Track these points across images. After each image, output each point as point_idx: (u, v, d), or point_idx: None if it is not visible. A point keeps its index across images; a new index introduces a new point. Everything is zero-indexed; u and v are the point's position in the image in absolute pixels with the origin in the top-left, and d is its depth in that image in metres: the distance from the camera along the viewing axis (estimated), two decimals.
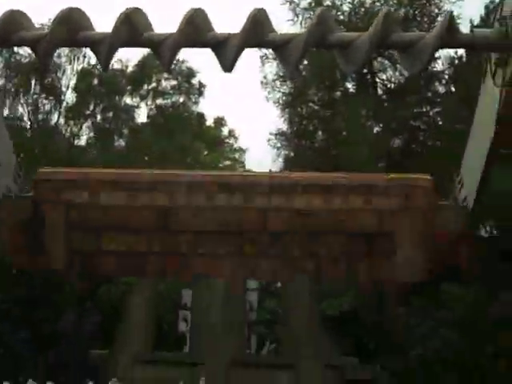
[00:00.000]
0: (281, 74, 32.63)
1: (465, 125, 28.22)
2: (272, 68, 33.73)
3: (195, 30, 13.50)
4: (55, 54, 34.84)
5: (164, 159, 37.35)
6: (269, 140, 35.42)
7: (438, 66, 31.40)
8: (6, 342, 19.26)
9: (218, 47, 13.67)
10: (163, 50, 13.75)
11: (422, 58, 14.12)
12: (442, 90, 31.38)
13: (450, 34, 13.43)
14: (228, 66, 13.59)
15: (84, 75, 35.13)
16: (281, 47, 13.82)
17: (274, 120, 56.50)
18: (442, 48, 15.27)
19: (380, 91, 33.21)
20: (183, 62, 37.06)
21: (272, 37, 13.86)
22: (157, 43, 13.89)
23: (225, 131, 42.17)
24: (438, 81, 31.25)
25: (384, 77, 32.36)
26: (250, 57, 14.73)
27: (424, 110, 32.16)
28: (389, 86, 32.97)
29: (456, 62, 29.94)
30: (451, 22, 13.28)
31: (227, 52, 13.57)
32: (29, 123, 37.42)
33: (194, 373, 19.72)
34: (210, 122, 41.36)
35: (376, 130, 33.09)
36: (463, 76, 27.57)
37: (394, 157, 30.93)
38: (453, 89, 30.32)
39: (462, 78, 27.77)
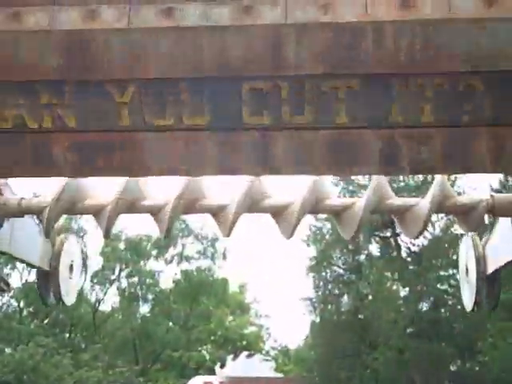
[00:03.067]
0: (304, 239, 32.92)
1: None
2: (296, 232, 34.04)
3: None
4: (83, 219, 36.05)
5: (188, 324, 37.07)
6: (294, 306, 35.09)
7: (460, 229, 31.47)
8: None
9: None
10: (162, 217, 13.98)
11: (418, 223, 13.99)
12: None
13: (445, 199, 13.48)
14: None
15: (110, 240, 35.72)
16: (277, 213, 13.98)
17: (299, 285, 56.38)
18: (439, 213, 15.29)
19: (404, 254, 33.13)
20: (208, 227, 37.73)
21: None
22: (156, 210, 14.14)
23: (249, 297, 42.04)
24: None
25: (407, 240, 32.36)
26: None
27: (451, 272, 31.82)
28: (412, 248, 32.93)
29: None
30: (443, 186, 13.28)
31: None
32: None
33: None
34: (233, 286, 41.30)
35: (402, 293, 32.64)
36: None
37: (422, 323, 30.21)
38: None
39: None
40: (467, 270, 16.41)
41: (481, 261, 15.44)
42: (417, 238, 21.68)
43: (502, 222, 15.53)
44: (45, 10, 6.08)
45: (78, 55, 6.27)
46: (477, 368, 28.10)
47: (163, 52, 5.93)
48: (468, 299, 16.77)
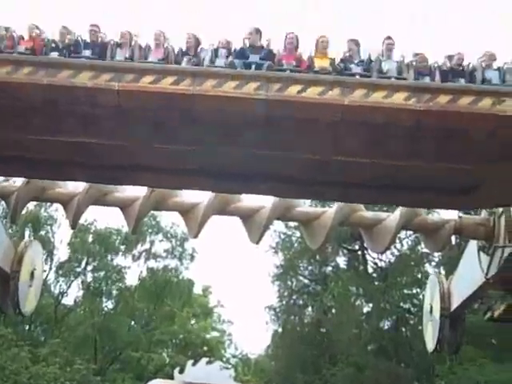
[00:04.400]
0: (272, 246, 32.91)
1: None
2: (264, 238, 34.01)
3: None
4: (53, 208, 35.61)
5: (151, 325, 36.81)
6: (257, 313, 35.01)
7: None
8: None
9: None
10: (131, 212, 14.05)
11: (385, 238, 14.14)
12: (431, 271, 31.42)
13: (414, 216, 13.65)
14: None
15: (79, 231, 35.26)
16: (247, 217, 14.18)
17: (263, 292, 56.22)
18: (407, 230, 15.32)
19: (370, 269, 33.29)
20: (179, 225, 37.49)
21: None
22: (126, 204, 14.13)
23: (213, 300, 41.88)
24: (428, 262, 31.38)
25: (375, 254, 32.49)
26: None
27: (414, 291, 32.02)
28: (379, 264, 33.08)
29: None
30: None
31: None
32: None
33: None
34: (198, 288, 41.13)
35: (366, 309, 32.81)
36: (453, 259, 27.72)
37: (383, 341, 30.36)
38: (442, 271, 30.37)
39: (451, 262, 27.88)
40: (431, 309, 16.49)
41: (445, 298, 15.56)
42: (383, 252, 21.88)
43: (467, 256, 15.63)
44: None
45: None
46: None
47: None
48: (430, 340, 16.79)
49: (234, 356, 42.57)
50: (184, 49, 10.59)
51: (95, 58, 10.08)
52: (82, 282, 38.26)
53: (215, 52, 10.47)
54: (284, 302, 34.16)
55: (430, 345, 16.58)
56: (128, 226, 14.99)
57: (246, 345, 67.07)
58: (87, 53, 10.36)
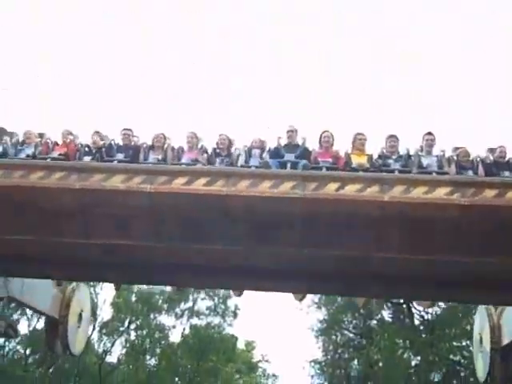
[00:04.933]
0: (315, 301, 32.62)
1: None
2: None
3: None
4: None
5: (195, 381, 36.53)
6: (303, 368, 34.52)
7: None
8: None
9: None
10: None
11: None
12: None
13: None
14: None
15: (122, 291, 35.55)
16: None
17: (308, 346, 55.49)
18: None
19: (417, 321, 32.67)
20: None
21: None
22: None
23: (257, 355, 41.36)
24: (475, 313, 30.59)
25: (420, 307, 31.91)
26: None
27: (463, 343, 31.25)
28: (426, 316, 32.47)
29: None
30: None
31: None
32: None
33: None
34: (241, 344, 40.78)
35: (414, 362, 32.08)
36: None
37: None
38: None
39: None
40: (481, 339, 16.17)
41: (495, 331, 15.23)
42: (430, 307, 21.36)
43: None
44: None
45: None
46: None
47: None
48: (481, 370, 16.42)
49: None
50: (217, 149, 10.57)
51: (128, 161, 10.10)
52: (126, 341, 38.36)
53: (249, 152, 10.46)
54: (329, 356, 33.70)
55: (481, 374, 16.14)
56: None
57: None
58: (120, 156, 10.40)
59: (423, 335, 31.57)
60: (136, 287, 36.72)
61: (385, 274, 9.81)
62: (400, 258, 9.05)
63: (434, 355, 30.28)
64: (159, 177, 8.99)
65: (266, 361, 41.48)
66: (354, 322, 33.85)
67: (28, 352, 37.62)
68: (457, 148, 10.32)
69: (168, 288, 37.46)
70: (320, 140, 10.46)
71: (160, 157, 10.44)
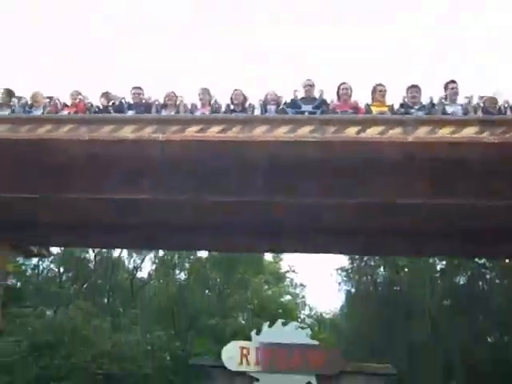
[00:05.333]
0: None
1: None
2: None
3: None
4: None
5: (224, 293, 37.39)
6: (330, 275, 35.10)
7: None
8: None
9: None
10: None
11: None
12: None
13: None
14: None
15: None
16: None
17: (335, 255, 56.20)
18: None
19: None
20: None
21: None
22: None
23: (284, 266, 42.08)
24: None
25: None
26: None
27: None
28: None
29: None
30: None
31: None
32: (93, 254, 38.27)
33: None
34: (269, 256, 41.42)
35: (439, 266, 32.47)
36: None
37: (459, 296, 30.05)
38: None
39: None
40: None
41: None
42: None
43: None
44: None
45: None
46: None
47: None
48: None
49: (308, 316, 42.74)
50: (231, 106, 10.15)
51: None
52: (155, 257, 39.11)
53: (264, 106, 10.06)
54: (355, 264, 34.17)
55: None
56: None
57: (319, 306, 67.51)
58: (131, 113, 10.13)
59: None
60: None
61: (409, 226, 9.48)
62: (426, 204, 8.61)
63: (459, 259, 30.55)
64: (171, 126, 8.55)
65: (293, 271, 42.25)
66: None
67: (61, 270, 38.65)
68: (482, 97, 9.82)
69: None
70: (338, 92, 10.13)
71: (173, 113, 10.16)
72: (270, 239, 10.51)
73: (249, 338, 20.67)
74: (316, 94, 10.21)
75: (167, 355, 33.25)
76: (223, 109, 10.16)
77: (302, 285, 42.61)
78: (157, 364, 31.08)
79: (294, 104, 9.87)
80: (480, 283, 30.90)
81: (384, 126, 8.10)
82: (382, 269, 34.73)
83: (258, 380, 18.71)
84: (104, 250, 38.25)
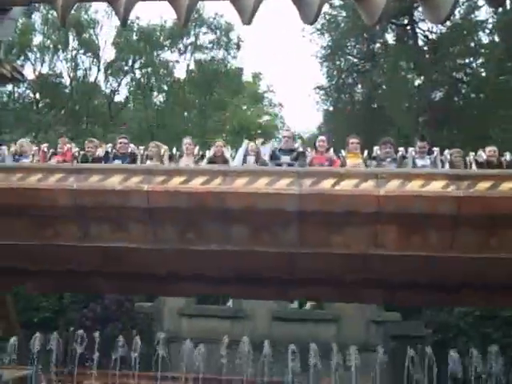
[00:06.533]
0: (318, 28, 32.12)
1: (510, 76, 27.67)
2: None
3: None
4: (93, 10, 35.34)
5: (203, 114, 37.50)
6: (308, 95, 35.13)
7: (481, 14, 30.43)
8: None
9: None
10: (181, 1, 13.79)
11: (445, 6, 13.55)
12: (485, 39, 30.46)
13: None
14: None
15: (122, 30, 35.05)
16: None
17: (313, 75, 56.04)
18: None
19: (421, 42, 32.44)
20: (222, 16, 36.71)
21: None
22: None
23: (263, 86, 41.86)
24: (481, 30, 30.22)
25: (425, 27, 31.53)
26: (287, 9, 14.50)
27: (467, 61, 31.40)
28: (430, 36, 32.18)
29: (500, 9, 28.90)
30: None
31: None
32: (68, 80, 37.74)
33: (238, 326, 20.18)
34: (247, 76, 41.07)
35: (417, 82, 32.53)
36: (508, 25, 26.71)
37: (436, 110, 30.42)
38: (497, 38, 29.42)
39: (507, 27, 26.88)
40: None
41: None
42: (443, 22, 21.51)
43: None
44: None
45: None
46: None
47: None
48: None
49: None
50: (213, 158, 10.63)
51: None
52: (132, 80, 38.70)
53: (244, 159, 10.68)
54: (333, 82, 34.06)
55: None
56: (178, 19, 14.69)
57: (298, 126, 68.36)
58: (117, 162, 10.54)
59: (427, 55, 31.58)
60: (136, 24, 36.15)
61: (381, 275, 9.65)
62: (397, 255, 8.81)
63: (437, 74, 30.58)
64: (156, 177, 8.87)
65: (272, 91, 42.19)
66: (358, 46, 33.59)
67: (38, 97, 38.29)
68: (450, 149, 10.67)
69: (168, 23, 36.91)
70: (315, 144, 10.81)
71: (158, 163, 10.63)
72: (250, 286, 10.86)
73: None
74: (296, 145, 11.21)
75: None
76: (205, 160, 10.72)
77: (280, 105, 42.77)
78: None
79: (274, 156, 10.60)
80: (456, 98, 31.17)
81: (358, 179, 8.55)
82: (359, 86, 34.79)
83: None
84: (79, 75, 37.77)
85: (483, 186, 8.39)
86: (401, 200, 8.38)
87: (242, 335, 18.12)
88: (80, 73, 37.58)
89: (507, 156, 10.59)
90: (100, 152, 11.05)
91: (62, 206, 8.86)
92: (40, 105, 38.32)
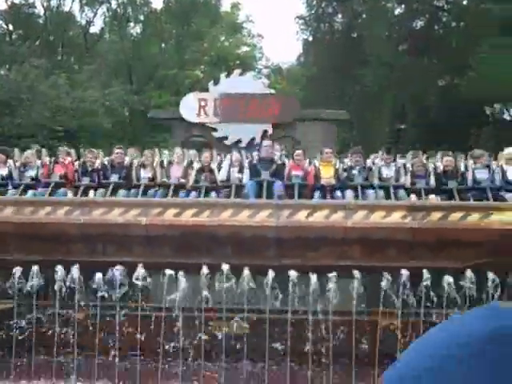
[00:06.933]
0: None
1: (490, 4, 27.18)
2: None
3: None
4: None
5: (181, 45, 36.79)
6: (287, 25, 34.46)
7: None
8: None
9: None
10: None
11: None
12: None
13: None
14: None
15: None
16: None
17: (293, 5, 55.04)
18: None
19: None
20: None
21: None
22: None
23: (241, 16, 40.96)
24: None
25: None
26: None
27: None
28: None
29: None
30: None
31: None
32: (42, 10, 36.78)
33: None
34: (225, 7, 40.16)
35: (397, 11, 32.02)
36: None
37: (416, 39, 30.00)
38: None
39: None
40: None
41: None
42: None
43: None
44: None
45: None
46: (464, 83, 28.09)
47: None
48: None
49: (266, 67, 42.70)
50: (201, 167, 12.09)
51: (122, 182, 11.85)
52: (108, 10, 37.82)
53: (228, 170, 12.00)
54: (313, 11, 33.42)
55: None
56: None
57: (277, 56, 67.52)
58: (115, 177, 11.84)
59: None
60: None
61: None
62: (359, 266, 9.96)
63: (417, 3, 30.09)
64: (153, 209, 10.14)
65: (251, 21, 41.36)
66: None
67: (11, 28, 37.38)
68: (415, 157, 12.47)
69: None
70: (293, 157, 12.27)
71: (150, 174, 11.92)
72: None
73: (207, 90, 20.71)
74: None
75: (126, 110, 33.55)
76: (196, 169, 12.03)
77: (259, 35, 42.00)
78: (116, 119, 31.47)
79: (255, 171, 11.66)
80: (436, 27, 30.70)
81: (328, 210, 9.84)
82: (339, 16, 34.18)
83: (215, 130, 19.11)
84: (53, 5, 36.81)
85: (436, 216, 9.59)
86: (364, 230, 9.67)
87: None
88: (54, 2, 36.65)
89: (461, 166, 11.99)
90: (98, 164, 12.23)
91: (72, 235, 10.24)
92: (13, 36, 37.40)
